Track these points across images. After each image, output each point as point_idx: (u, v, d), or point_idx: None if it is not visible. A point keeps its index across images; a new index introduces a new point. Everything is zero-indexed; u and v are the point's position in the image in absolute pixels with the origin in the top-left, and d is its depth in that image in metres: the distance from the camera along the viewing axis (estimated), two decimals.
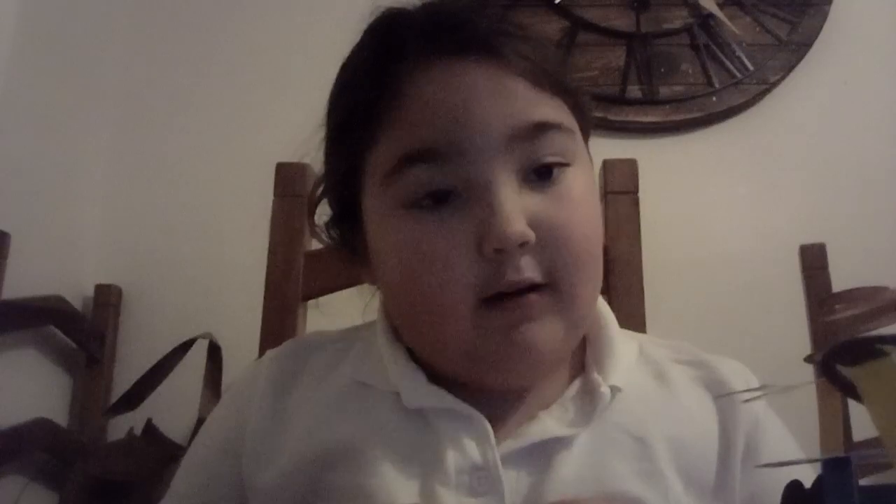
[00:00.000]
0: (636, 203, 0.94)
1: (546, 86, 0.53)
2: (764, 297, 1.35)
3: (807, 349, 1.13)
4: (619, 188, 0.95)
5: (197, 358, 1.18)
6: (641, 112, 1.45)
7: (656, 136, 1.47)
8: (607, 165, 0.96)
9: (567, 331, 0.53)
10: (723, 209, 1.43)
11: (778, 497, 0.43)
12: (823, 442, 1.04)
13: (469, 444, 0.51)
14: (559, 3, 1.48)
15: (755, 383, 0.60)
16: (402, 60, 0.52)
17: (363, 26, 0.58)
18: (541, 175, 0.51)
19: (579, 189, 0.53)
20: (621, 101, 1.45)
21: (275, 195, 0.95)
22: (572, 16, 1.48)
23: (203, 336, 1.20)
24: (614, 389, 0.54)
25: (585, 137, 0.58)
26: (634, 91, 1.46)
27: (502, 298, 0.50)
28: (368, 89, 0.53)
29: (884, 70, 1.49)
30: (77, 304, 1.29)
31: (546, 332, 0.51)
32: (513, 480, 0.51)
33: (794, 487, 0.32)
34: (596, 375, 0.55)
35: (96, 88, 1.41)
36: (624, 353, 0.58)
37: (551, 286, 0.51)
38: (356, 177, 0.56)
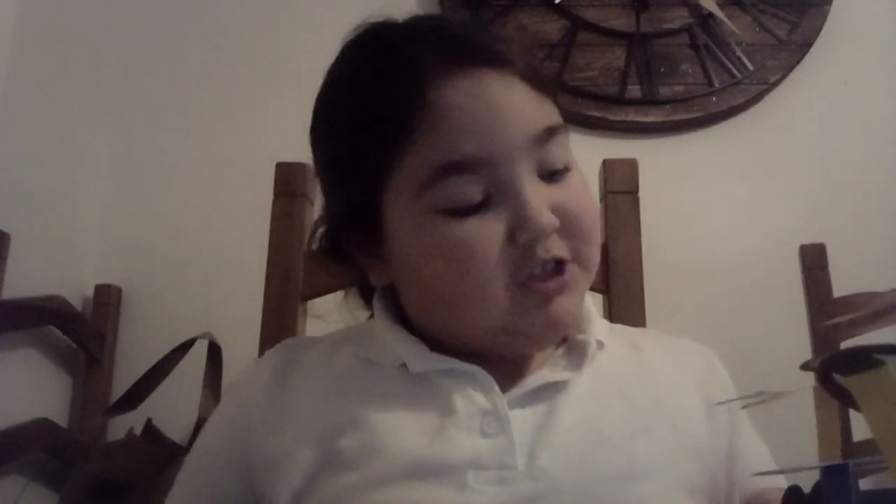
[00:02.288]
0: (636, 203, 0.94)
1: (541, 87, 0.59)
2: (764, 296, 1.35)
3: (807, 349, 1.13)
4: (619, 188, 0.95)
5: (197, 358, 1.18)
6: (641, 112, 1.45)
7: (656, 136, 1.47)
8: (607, 165, 0.96)
9: (582, 299, 0.62)
10: (723, 209, 1.43)
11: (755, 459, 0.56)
12: (821, 447, 1.04)
13: (476, 394, 0.58)
14: (559, 3, 1.48)
15: (718, 363, 0.67)
16: (420, 73, 0.56)
17: (345, 40, 0.63)
18: (553, 174, 0.59)
19: (579, 177, 0.61)
20: (621, 101, 1.45)
21: (275, 195, 0.95)
22: (572, 16, 1.48)
23: (203, 336, 1.20)
24: (599, 343, 0.62)
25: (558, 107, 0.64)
26: (634, 91, 1.46)
27: (534, 279, 0.56)
28: (390, 102, 0.57)
29: (884, 70, 1.49)
30: (77, 304, 1.29)
31: (573, 302, 0.59)
32: (519, 422, 0.56)
33: (793, 492, 0.32)
34: (580, 335, 0.63)
35: (96, 88, 1.41)
36: (600, 320, 0.66)
37: (575, 261, 0.58)
38: (377, 187, 0.59)
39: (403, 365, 0.60)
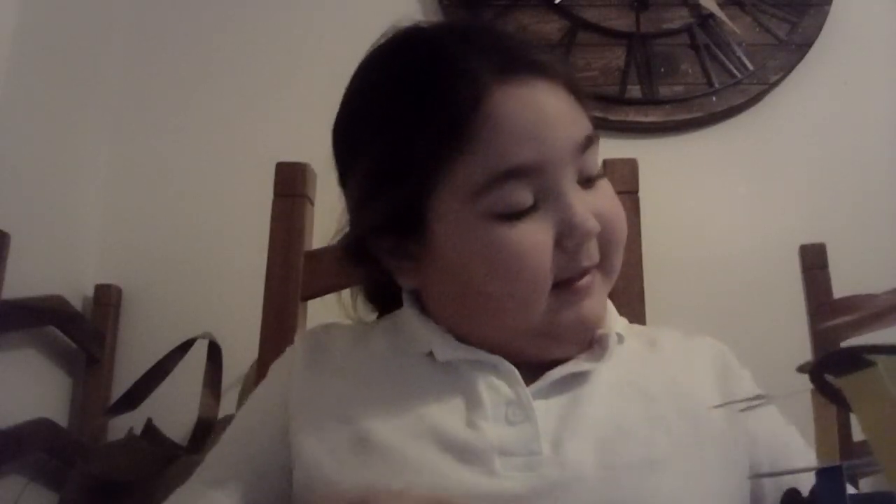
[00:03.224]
0: (636, 203, 0.94)
1: (580, 97, 0.62)
2: (764, 296, 1.35)
3: (807, 349, 1.13)
4: (619, 188, 0.94)
5: (197, 358, 1.18)
6: (641, 112, 1.45)
7: (656, 136, 1.47)
8: (607, 165, 0.96)
9: (605, 303, 0.65)
10: (723, 209, 1.43)
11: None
12: (819, 449, 1.04)
13: (500, 384, 0.60)
14: (559, 3, 1.48)
15: (735, 359, 0.69)
16: (475, 80, 0.57)
17: (378, 44, 0.64)
18: (589, 181, 0.61)
19: (608, 184, 0.64)
20: (621, 101, 1.45)
21: (275, 195, 0.95)
22: (572, 16, 1.48)
23: (203, 336, 1.20)
24: (619, 337, 0.64)
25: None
26: (634, 91, 1.46)
27: (567, 282, 0.59)
28: (446, 108, 0.58)
29: (884, 70, 1.49)
30: (77, 304, 1.29)
31: (599, 305, 0.62)
32: (543, 411, 0.58)
33: (791, 495, 0.32)
34: (600, 331, 0.64)
35: (96, 89, 1.41)
36: (619, 318, 0.68)
37: (600, 266, 0.61)
38: (424, 193, 0.60)
39: (430, 354, 0.62)
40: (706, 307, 1.34)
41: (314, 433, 0.60)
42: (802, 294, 1.18)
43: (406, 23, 0.65)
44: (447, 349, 0.62)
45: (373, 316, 0.74)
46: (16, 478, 1.12)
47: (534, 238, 0.57)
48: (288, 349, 0.70)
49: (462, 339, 0.63)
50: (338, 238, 0.69)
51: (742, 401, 0.59)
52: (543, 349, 0.62)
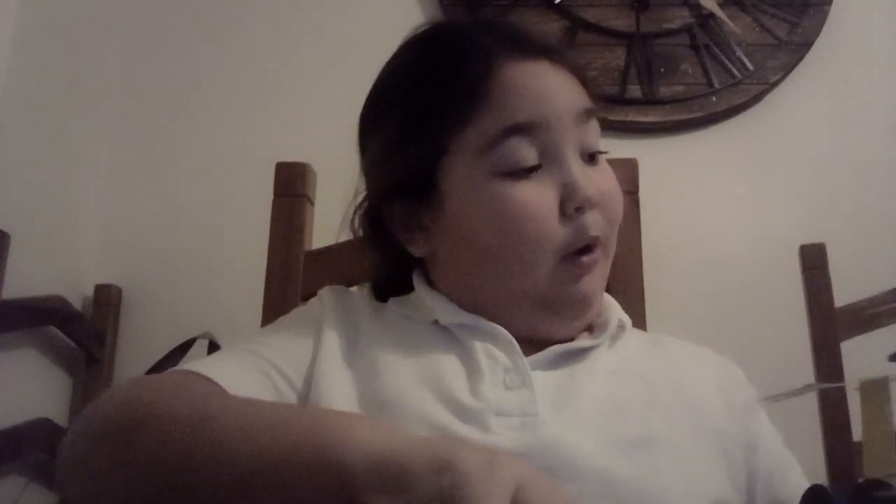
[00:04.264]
0: (636, 203, 0.94)
1: (584, 81, 0.66)
2: (763, 297, 1.35)
3: (806, 349, 1.12)
4: (620, 188, 0.95)
5: (197, 358, 1.18)
6: (641, 112, 1.45)
7: (656, 136, 1.47)
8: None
9: (604, 283, 0.66)
10: (723, 209, 1.43)
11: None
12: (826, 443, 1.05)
13: (497, 353, 0.61)
14: (559, 3, 1.48)
15: (740, 373, 0.69)
16: (490, 54, 0.63)
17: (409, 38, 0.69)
18: (591, 157, 0.64)
19: (608, 166, 0.66)
20: (621, 101, 1.45)
21: (275, 195, 0.95)
22: (572, 16, 1.48)
23: (203, 336, 1.20)
24: (621, 323, 0.66)
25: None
26: (634, 91, 1.46)
27: (575, 255, 0.61)
28: (462, 76, 0.63)
29: (884, 70, 1.49)
30: (77, 304, 1.29)
31: (598, 284, 0.64)
32: (541, 381, 0.60)
33: (815, 492, 0.32)
34: (601, 318, 0.66)
35: (96, 89, 1.41)
36: (622, 313, 0.69)
37: (604, 239, 0.63)
38: (437, 155, 0.63)
39: (435, 322, 0.65)
40: (706, 307, 1.34)
41: (333, 379, 0.61)
42: (802, 294, 1.18)
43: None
44: (450, 314, 0.64)
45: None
46: (16, 478, 1.12)
47: (538, 196, 0.60)
48: (316, 298, 0.71)
49: (465, 307, 0.64)
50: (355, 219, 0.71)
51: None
52: (542, 322, 0.63)
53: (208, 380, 0.55)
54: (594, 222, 0.61)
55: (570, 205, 0.61)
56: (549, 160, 0.61)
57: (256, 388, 0.58)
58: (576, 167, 0.61)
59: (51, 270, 1.26)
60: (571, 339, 0.64)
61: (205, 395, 0.53)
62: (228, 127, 1.45)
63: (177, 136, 1.46)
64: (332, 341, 0.64)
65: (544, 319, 0.63)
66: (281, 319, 0.71)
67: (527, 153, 0.61)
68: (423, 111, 0.65)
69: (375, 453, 0.40)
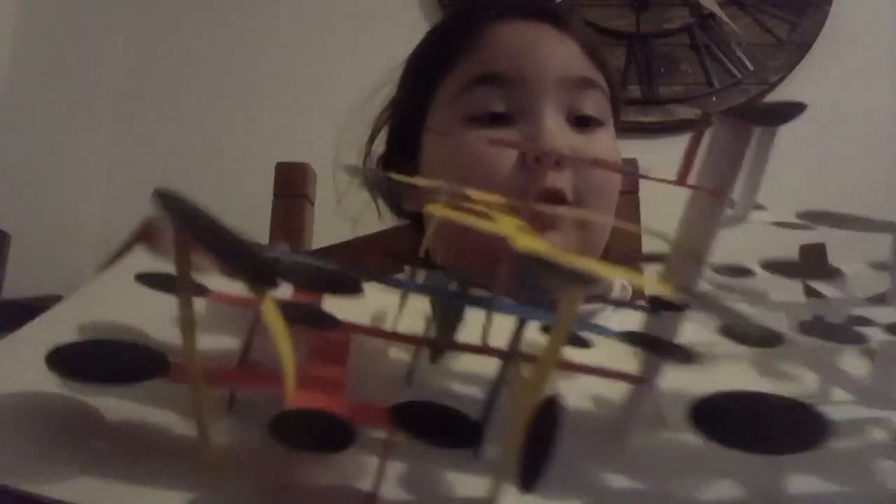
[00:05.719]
0: (636, 203, 0.94)
1: (594, 58, 0.63)
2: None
3: None
4: (620, 188, 0.95)
5: None
6: (641, 112, 1.45)
7: (656, 136, 1.47)
8: None
9: (580, 247, 0.61)
10: None
11: None
12: None
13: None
14: (559, 2, 1.48)
15: None
16: (486, 14, 0.63)
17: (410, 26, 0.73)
18: (581, 123, 0.61)
19: (607, 144, 0.62)
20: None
21: (275, 195, 0.95)
22: None
23: None
24: (624, 287, 0.65)
25: (616, 119, 0.67)
26: (634, 91, 1.46)
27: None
28: (450, 34, 0.64)
29: (884, 70, 1.49)
30: None
31: (563, 241, 0.59)
32: None
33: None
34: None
35: (96, 88, 1.41)
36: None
37: (576, 205, 0.59)
38: (425, 104, 0.64)
39: None
40: None
41: None
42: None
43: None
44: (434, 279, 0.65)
45: None
46: None
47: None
48: None
49: (443, 262, 0.63)
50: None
51: None
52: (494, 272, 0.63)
53: None
54: (557, 177, 0.57)
55: (530, 155, 0.57)
56: (521, 115, 0.59)
57: None
58: (550, 123, 0.58)
59: (51, 270, 1.26)
60: None
61: None
62: (228, 127, 1.45)
63: (177, 135, 1.46)
64: None
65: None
66: None
67: (492, 102, 0.59)
68: (423, 60, 0.67)
69: None
